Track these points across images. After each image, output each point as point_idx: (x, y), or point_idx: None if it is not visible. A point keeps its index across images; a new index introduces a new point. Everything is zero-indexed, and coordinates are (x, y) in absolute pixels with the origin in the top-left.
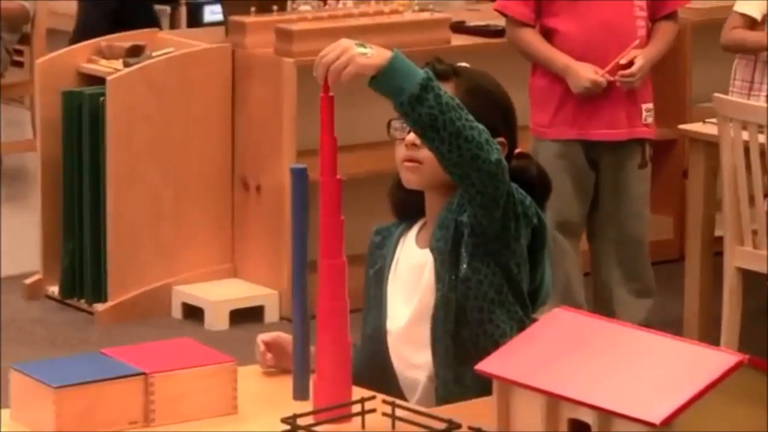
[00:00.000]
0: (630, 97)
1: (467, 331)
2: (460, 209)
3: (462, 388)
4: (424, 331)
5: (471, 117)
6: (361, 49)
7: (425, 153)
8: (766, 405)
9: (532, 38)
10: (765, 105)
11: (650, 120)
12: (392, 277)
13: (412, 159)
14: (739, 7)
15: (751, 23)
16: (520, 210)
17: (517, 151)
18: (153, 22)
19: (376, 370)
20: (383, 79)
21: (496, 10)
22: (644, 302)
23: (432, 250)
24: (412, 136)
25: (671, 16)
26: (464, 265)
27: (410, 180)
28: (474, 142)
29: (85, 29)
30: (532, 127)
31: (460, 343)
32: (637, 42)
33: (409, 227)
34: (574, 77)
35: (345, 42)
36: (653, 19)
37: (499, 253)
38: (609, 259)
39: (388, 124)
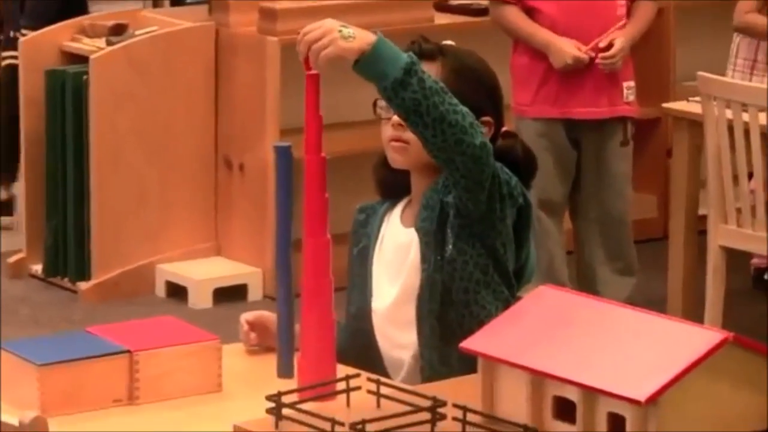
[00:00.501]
0: (611, 76)
1: (453, 312)
2: (446, 190)
3: (448, 369)
4: (410, 311)
5: (455, 101)
6: (344, 32)
7: (411, 133)
8: (751, 382)
9: (515, 15)
10: (749, 84)
11: (632, 98)
12: (377, 256)
13: (399, 139)
14: None
15: (762, 4)
16: (505, 191)
17: (503, 129)
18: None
19: (361, 349)
20: (366, 64)
21: None
22: (627, 281)
23: (417, 231)
24: (398, 117)
25: None
26: (450, 246)
27: (396, 160)
28: (458, 126)
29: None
30: (513, 106)
31: (445, 324)
32: (620, 21)
33: (394, 205)
34: (555, 52)
35: (329, 23)
36: None
37: (485, 234)
38: (592, 238)
39: (374, 104)
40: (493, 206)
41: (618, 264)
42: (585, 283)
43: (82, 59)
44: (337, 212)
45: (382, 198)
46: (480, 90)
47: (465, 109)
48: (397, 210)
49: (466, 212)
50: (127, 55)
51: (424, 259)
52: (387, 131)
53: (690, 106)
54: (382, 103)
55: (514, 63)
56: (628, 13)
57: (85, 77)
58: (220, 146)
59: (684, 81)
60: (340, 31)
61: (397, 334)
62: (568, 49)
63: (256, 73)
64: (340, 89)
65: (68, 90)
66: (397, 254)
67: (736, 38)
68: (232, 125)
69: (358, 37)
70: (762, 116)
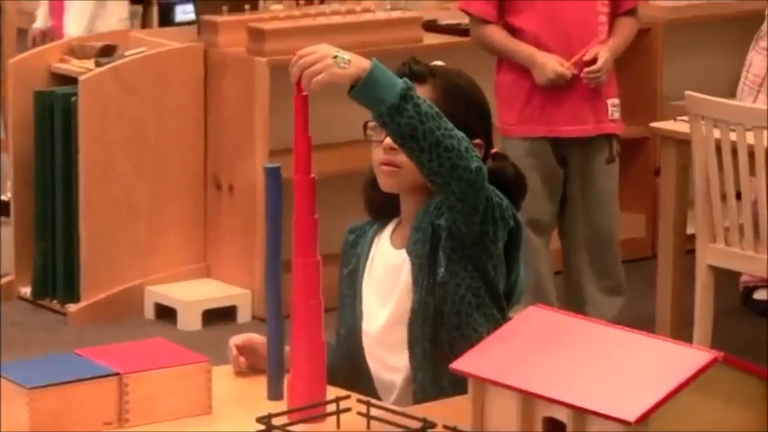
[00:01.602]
0: (595, 93)
1: (445, 335)
2: (437, 212)
3: (439, 391)
4: (401, 334)
5: (450, 125)
6: (339, 58)
7: (403, 157)
8: (740, 402)
9: (496, 33)
10: (736, 103)
11: (617, 115)
12: (367, 277)
13: (390, 163)
14: None
15: None
16: (498, 214)
17: (493, 151)
18: None
19: (352, 370)
20: (361, 90)
21: (460, 9)
22: (616, 300)
23: (409, 253)
24: (389, 140)
25: (632, 11)
26: (442, 269)
27: (387, 184)
28: (454, 151)
29: None
30: (498, 126)
31: (437, 347)
32: (602, 36)
33: (383, 226)
34: (539, 68)
35: (324, 48)
36: (614, 15)
37: (478, 257)
38: (580, 257)
39: (365, 126)
40: (486, 229)
41: (606, 283)
42: (573, 302)
43: (71, 80)
44: (327, 232)
45: (372, 219)
46: (471, 111)
47: (460, 133)
48: (387, 231)
49: (459, 235)
50: (116, 76)
51: (416, 281)
52: (378, 154)
53: (678, 126)
54: (372, 125)
55: (499, 82)
56: (610, 29)
57: (74, 98)
58: (209, 167)
59: (671, 100)
60: (335, 57)
61: (389, 357)
62: (550, 64)
63: (245, 94)
64: (329, 109)
65: (57, 111)
66: (387, 276)
67: (751, 52)
68: (221, 146)
69: (353, 63)
70: (749, 135)
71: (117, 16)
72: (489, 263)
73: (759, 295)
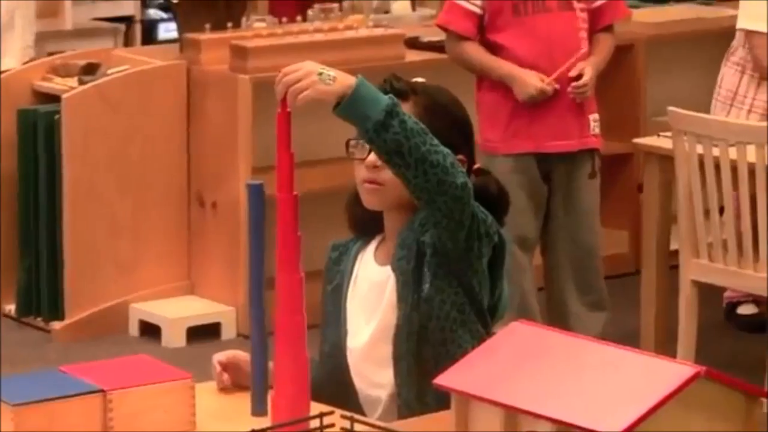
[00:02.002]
0: (578, 108)
1: (429, 351)
2: (422, 229)
3: (424, 407)
4: (386, 350)
5: (436, 141)
6: (324, 75)
7: (386, 175)
8: (724, 416)
9: (475, 50)
10: (719, 118)
11: (597, 130)
12: (351, 293)
13: (374, 181)
14: (757, 26)
15: None
16: (483, 230)
17: (475, 167)
18: None
19: (336, 387)
20: (347, 107)
21: (439, 25)
22: (599, 315)
23: (394, 270)
24: (372, 158)
25: (608, 28)
26: (427, 285)
27: (371, 202)
28: (440, 166)
29: None
30: (481, 143)
31: (422, 363)
32: (582, 51)
33: (367, 243)
34: (519, 84)
35: (309, 65)
36: (592, 31)
37: (462, 273)
38: (562, 273)
39: (347, 144)
40: (472, 245)
41: (589, 298)
42: (556, 318)
43: (54, 98)
44: (310, 249)
45: (355, 235)
46: (453, 127)
47: (446, 149)
48: (371, 248)
49: (445, 251)
50: (99, 94)
51: (401, 298)
52: (361, 172)
53: (661, 141)
54: (354, 142)
55: (481, 100)
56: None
57: (57, 116)
58: (192, 184)
59: (654, 116)
60: (320, 74)
61: (374, 373)
62: (531, 81)
63: (228, 111)
64: (312, 126)
65: (40, 129)
66: (371, 292)
67: (723, 68)
68: (204, 163)
69: (339, 80)
70: (732, 151)
71: (21, 44)
72: (474, 279)
73: (743, 309)
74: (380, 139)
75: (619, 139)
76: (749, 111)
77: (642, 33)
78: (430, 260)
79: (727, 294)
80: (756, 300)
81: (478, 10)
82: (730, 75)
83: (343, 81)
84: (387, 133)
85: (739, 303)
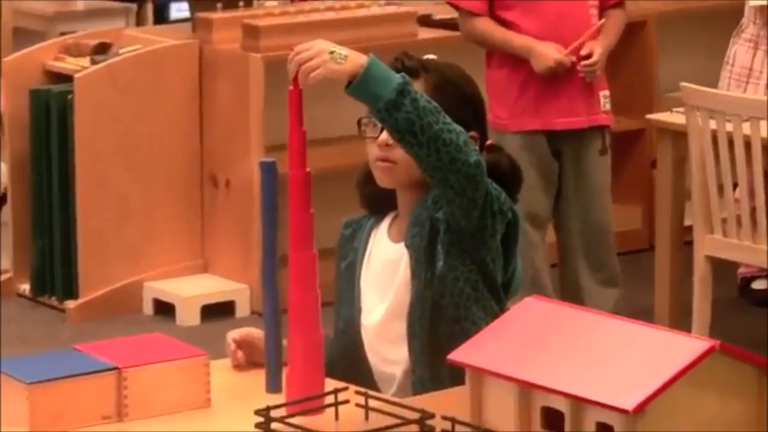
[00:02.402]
0: (587, 85)
1: (443, 328)
2: (435, 206)
3: (439, 384)
4: (400, 327)
5: (449, 119)
6: (336, 54)
7: (399, 153)
8: (737, 390)
9: (488, 25)
10: (732, 94)
11: (608, 107)
12: (365, 271)
13: (386, 159)
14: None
15: None
16: (496, 207)
17: (488, 143)
18: None
19: (351, 364)
20: (359, 86)
21: (449, 3)
22: (611, 292)
23: (407, 247)
24: (384, 136)
25: (620, 4)
26: (440, 262)
27: (383, 180)
28: (452, 145)
29: None
30: (492, 121)
31: (436, 340)
32: (595, 27)
33: (380, 220)
34: (537, 57)
35: (321, 44)
36: (603, 8)
37: (476, 250)
38: (575, 249)
39: (359, 122)
40: (485, 222)
41: (601, 275)
42: (569, 295)
43: (66, 78)
44: (323, 227)
45: (368, 213)
46: (464, 104)
47: (459, 127)
48: (384, 225)
49: (458, 228)
50: (111, 74)
51: (415, 275)
52: (373, 150)
53: (674, 117)
54: (366, 121)
55: (490, 77)
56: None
57: (69, 96)
58: (205, 163)
59: (667, 92)
60: (332, 52)
61: (388, 350)
62: (549, 52)
63: (240, 90)
64: (324, 105)
65: (53, 109)
66: (385, 269)
67: (734, 46)
68: (217, 142)
69: (350, 59)
70: (746, 126)
71: None
72: (487, 256)
73: (758, 284)
74: (392, 118)
75: (631, 115)
76: (767, 86)
77: (654, 9)
78: (444, 237)
79: (741, 270)
80: None
81: None
82: (743, 52)
83: (355, 60)
84: (399, 112)
85: (753, 278)
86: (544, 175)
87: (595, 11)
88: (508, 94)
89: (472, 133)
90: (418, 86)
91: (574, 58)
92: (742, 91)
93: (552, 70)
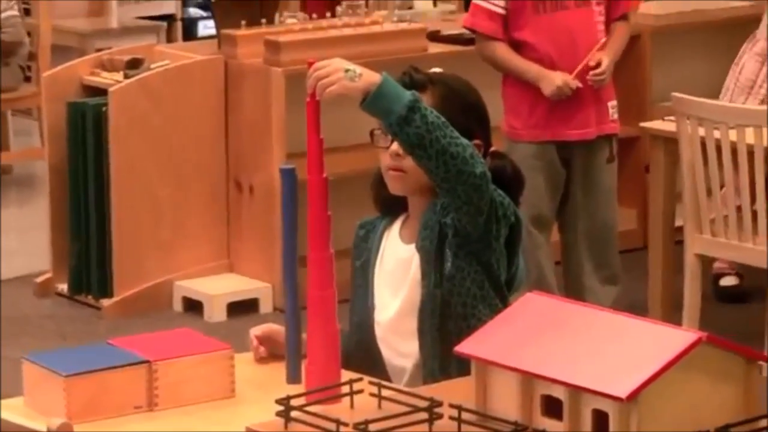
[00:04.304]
0: (597, 97)
1: (452, 324)
2: (444, 212)
3: (447, 376)
4: (411, 323)
5: (456, 134)
6: (350, 72)
7: (409, 162)
8: (724, 378)
9: (503, 52)
10: (719, 103)
11: (615, 116)
12: (378, 269)
13: (397, 168)
14: None
15: None
16: (500, 213)
17: (492, 149)
18: None
19: (365, 357)
20: (371, 102)
21: (466, 27)
22: (611, 289)
23: (418, 250)
24: (395, 147)
25: (624, 16)
26: (449, 264)
27: (395, 187)
28: (459, 158)
29: None
30: (507, 130)
31: (445, 336)
32: (600, 43)
33: (392, 222)
34: (546, 82)
35: (337, 62)
36: (608, 21)
37: (481, 252)
38: (580, 250)
39: (371, 133)
40: (490, 227)
41: (603, 273)
42: (573, 291)
43: (101, 92)
44: (340, 229)
45: (381, 214)
46: (468, 113)
47: (465, 141)
48: (396, 226)
49: (465, 233)
50: (143, 87)
51: (425, 275)
52: (385, 160)
53: (666, 125)
54: (378, 132)
55: (506, 92)
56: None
57: (104, 108)
58: (230, 170)
59: (660, 102)
60: (347, 71)
61: (400, 344)
62: (556, 77)
63: (263, 101)
64: (340, 115)
65: (89, 120)
66: (397, 268)
67: (745, 54)
68: (241, 150)
69: (364, 77)
70: (732, 133)
71: None
72: (492, 257)
73: (725, 281)
74: (403, 132)
75: (626, 123)
76: (762, 101)
77: (648, 24)
78: (452, 241)
79: (715, 265)
80: (739, 273)
81: (501, 11)
82: (751, 64)
83: (368, 78)
84: (409, 126)
85: (723, 275)
86: (551, 181)
87: (601, 27)
88: (522, 108)
89: (477, 141)
90: (425, 98)
91: (579, 84)
92: (744, 100)
93: (560, 90)
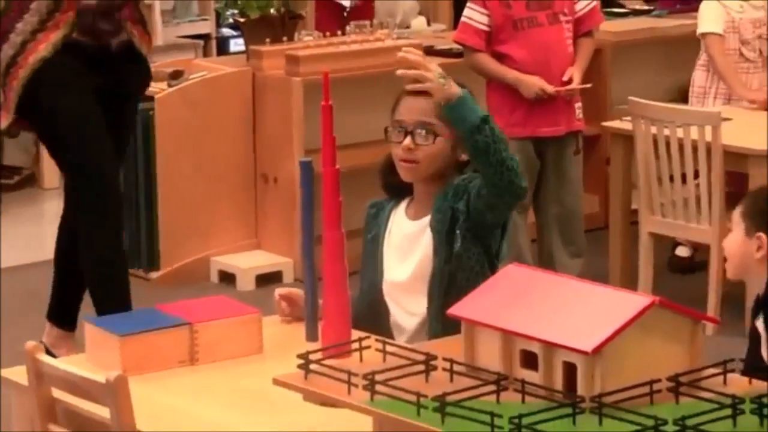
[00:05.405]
0: (566, 100)
1: (455, 295)
2: (455, 198)
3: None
4: (422, 288)
5: (511, 153)
6: (442, 78)
7: (420, 154)
8: (673, 336)
9: (486, 60)
10: (668, 105)
11: (581, 116)
12: (387, 242)
13: (409, 160)
14: (711, 27)
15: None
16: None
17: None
18: None
19: (372, 317)
20: (454, 107)
21: (456, 41)
22: (578, 262)
23: (432, 230)
24: (408, 141)
25: (589, 33)
26: (458, 244)
27: (407, 176)
28: (513, 171)
29: None
30: None
31: (450, 303)
32: (570, 58)
33: (398, 203)
34: (525, 86)
35: (435, 65)
36: (575, 37)
37: (486, 237)
38: (552, 230)
39: (386, 130)
40: (505, 222)
41: (571, 249)
42: (546, 264)
43: (148, 99)
44: (349, 212)
45: (389, 196)
46: None
47: (516, 159)
48: (402, 206)
49: (481, 221)
50: (183, 95)
51: (436, 252)
52: (398, 152)
53: (623, 124)
54: (391, 128)
55: (489, 96)
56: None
57: (151, 113)
58: (257, 164)
59: (618, 105)
60: (440, 75)
61: (410, 304)
62: (534, 81)
63: (285, 106)
64: (350, 118)
65: (139, 123)
66: (404, 241)
67: (694, 72)
68: (266, 147)
69: (450, 86)
70: (679, 131)
71: None
72: (492, 240)
73: (680, 251)
74: (473, 139)
75: (590, 122)
76: (714, 97)
77: (608, 40)
78: (462, 225)
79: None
80: (694, 246)
81: (485, 28)
82: (698, 75)
83: (453, 88)
84: (480, 135)
85: (679, 244)
86: (528, 171)
87: (570, 41)
88: (504, 110)
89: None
90: None
91: (554, 92)
92: (701, 105)
93: (537, 95)
